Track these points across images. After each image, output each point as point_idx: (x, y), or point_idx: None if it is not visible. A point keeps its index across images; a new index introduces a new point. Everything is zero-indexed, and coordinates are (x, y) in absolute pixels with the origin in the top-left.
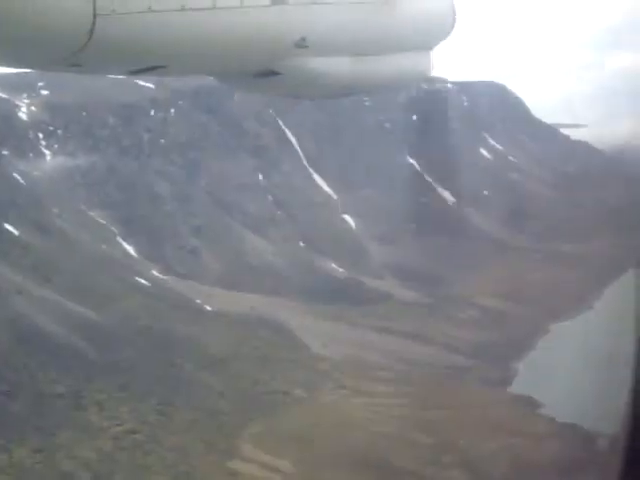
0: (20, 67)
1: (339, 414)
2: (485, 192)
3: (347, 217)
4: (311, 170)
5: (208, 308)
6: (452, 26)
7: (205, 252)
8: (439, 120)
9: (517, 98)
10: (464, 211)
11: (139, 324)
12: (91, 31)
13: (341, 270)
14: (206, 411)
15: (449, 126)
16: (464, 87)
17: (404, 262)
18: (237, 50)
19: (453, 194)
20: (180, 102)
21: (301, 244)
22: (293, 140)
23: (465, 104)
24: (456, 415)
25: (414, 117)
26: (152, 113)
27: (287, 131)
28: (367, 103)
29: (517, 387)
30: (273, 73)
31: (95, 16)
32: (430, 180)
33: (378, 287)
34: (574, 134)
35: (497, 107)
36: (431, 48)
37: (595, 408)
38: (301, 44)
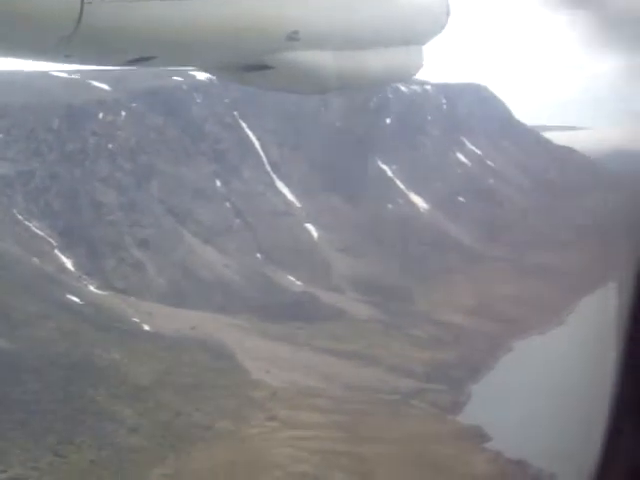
0: (5, 56)
1: (260, 451)
2: (460, 199)
3: (310, 226)
4: (274, 176)
5: (145, 328)
6: (445, 21)
7: (150, 265)
8: (415, 123)
9: (499, 100)
10: (436, 219)
11: (54, 351)
12: (79, 18)
13: (298, 284)
14: (113, 449)
15: (425, 129)
16: (443, 89)
17: (367, 274)
18: (228, 42)
19: (426, 201)
20: (134, 104)
21: (258, 255)
22: (257, 144)
23: (444, 107)
24: (391, 451)
25: (388, 120)
26: (100, 116)
27: (251, 134)
28: (337, 105)
29: (468, 415)
30: (264, 66)
31: (83, 3)
32: (402, 186)
33: (334, 302)
34: (557, 138)
35: (477, 110)
36: (424, 43)
37: (553, 443)
38: (293, 37)
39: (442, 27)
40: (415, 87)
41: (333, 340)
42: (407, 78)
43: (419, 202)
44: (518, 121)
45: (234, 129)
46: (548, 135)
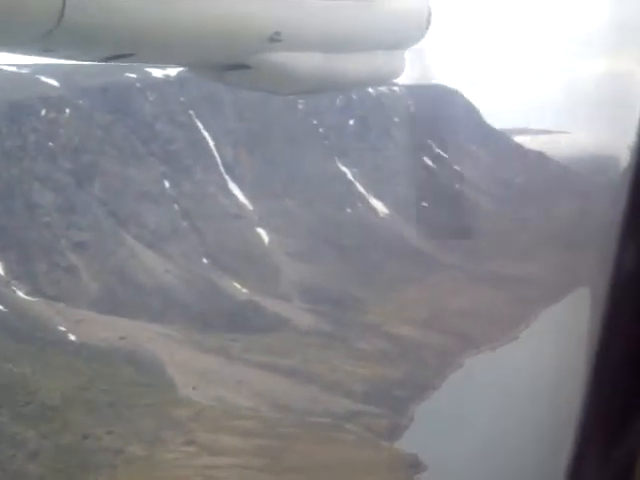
0: None
1: None
2: (423, 204)
3: (261, 230)
4: (227, 178)
5: (71, 338)
6: (428, 26)
7: (84, 270)
8: (380, 125)
9: (469, 104)
10: (396, 224)
11: None
12: (61, 13)
13: (244, 291)
14: (6, 478)
15: (390, 132)
16: (412, 90)
17: (317, 282)
18: (209, 41)
19: (386, 205)
20: (80, 101)
21: (204, 260)
22: (211, 144)
23: (411, 108)
24: None
25: (351, 122)
26: (43, 113)
27: (206, 135)
28: (301, 106)
29: (406, 441)
30: (245, 66)
31: None
32: (362, 190)
33: (278, 311)
34: (531, 142)
35: (446, 113)
36: (406, 48)
37: (501, 474)
38: (275, 38)
39: (424, 32)
40: (382, 88)
41: (270, 353)
42: (388, 82)
43: (379, 207)
44: (489, 125)
45: (188, 129)
46: (522, 139)
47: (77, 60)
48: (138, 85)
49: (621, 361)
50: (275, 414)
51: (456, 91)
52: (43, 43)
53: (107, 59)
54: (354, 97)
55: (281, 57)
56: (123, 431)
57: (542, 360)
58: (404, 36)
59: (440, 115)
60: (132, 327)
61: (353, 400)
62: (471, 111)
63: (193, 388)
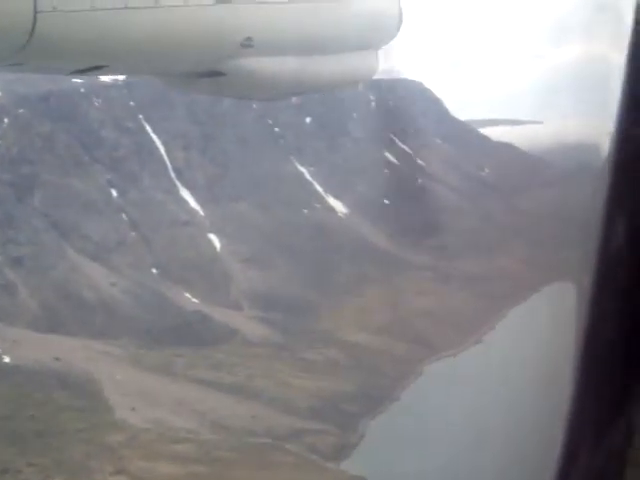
0: None
1: None
2: (385, 201)
3: (213, 237)
4: (178, 183)
5: (5, 360)
6: (399, 27)
7: (22, 287)
8: (339, 122)
9: (434, 96)
10: (356, 224)
11: None
12: (32, 28)
13: (194, 301)
14: None
15: (350, 128)
16: (373, 85)
17: (270, 288)
18: (181, 50)
19: (346, 205)
20: (21, 110)
21: (153, 271)
22: (161, 149)
23: (372, 104)
24: None
25: (307, 120)
26: None
27: (155, 139)
28: (255, 105)
29: (354, 462)
30: (218, 73)
31: (36, 13)
32: (320, 190)
33: (227, 322)
34: (501, 134)
35: (410, 106)
36: (378, 48)
37: None
38: (247, 44)
39: (396, 32)
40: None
41: (214, 369)
42: (362, 82)
43: (338, 206)
44: (454, 117)
45: (136, 134)
46: (491, 130)
47: (48, 73)
48: (82, 90)
49: (609, 353)
50: (214, 436)
51: (420, 84)
52: (15, 58)
53: (80, 72)
54: (311, 94)
55: (254, 62)
56: (47, 462)
57: (505, 364)
58: (376, 37)
59: (403, 109)
60: (70, 346)
61: (297, 417)
62: (436, 104)
63: (131, 410)
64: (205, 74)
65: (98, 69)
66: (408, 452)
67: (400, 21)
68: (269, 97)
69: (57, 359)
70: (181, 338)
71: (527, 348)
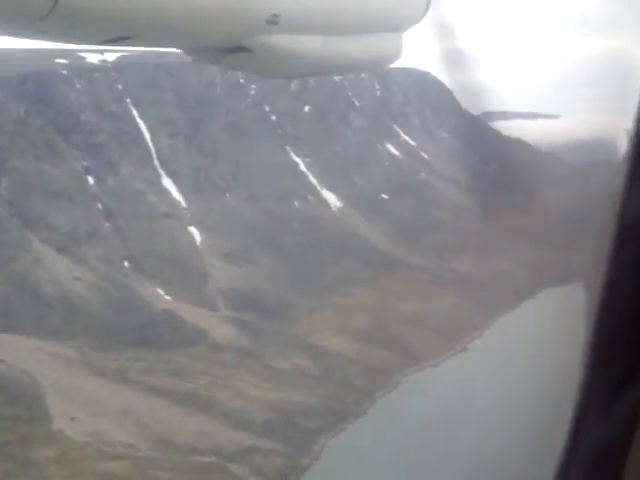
0: None
1: None
2: (383, 195)
3: (194, 230)
4: (162, 172)
5: None
6: (426, 9)
7: None
8: (340, 112)
9: (444, 87)
10: (349, 219)
11: None
12: None
13: (167, 298)
14: None
15: (351, 118)
16: (379, 73)
17: (249, 287)
18: (206, 23)
19: (340, 198)
20: None
21: (125, 264)
22: (147, 135)
23: (377, 93)
24: None
25: (306, 108)
26: None
27: (141, 124)
28: (252, 92)
29: None
30: (242, 49)
31: None
32: (315, 182)
33: (198, 323)
34: (509, 128)
35: (417, 97)
36: (404, 30)
37: None
38: (273, 20)
39: (423, 15)
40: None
41: (172, 376)
42: (386, 65)
43: (332, 199)
44: (464, 110)
45: (120, 119)
46: (502, 124)
47: (73, 43)
48: (64, 72)
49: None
50: (154, 452)
51: (428, 74)
52: (38, 25)
53: (104, 42)
54: (311, 81)
55: (280, 40)
56: None
57: (490, 373)
58: (403, 18)
59: (410, 99)
60: (19, 347)
61: (249, 433)
62: (446, 95)
63: (71, 420)
64: (231, 49)
65: (122, 40)
66: (368, 477)
67: (428, 4)
68: (293, 76)
69: (1, 361)
70: (144, 339)
71: (515, 356)
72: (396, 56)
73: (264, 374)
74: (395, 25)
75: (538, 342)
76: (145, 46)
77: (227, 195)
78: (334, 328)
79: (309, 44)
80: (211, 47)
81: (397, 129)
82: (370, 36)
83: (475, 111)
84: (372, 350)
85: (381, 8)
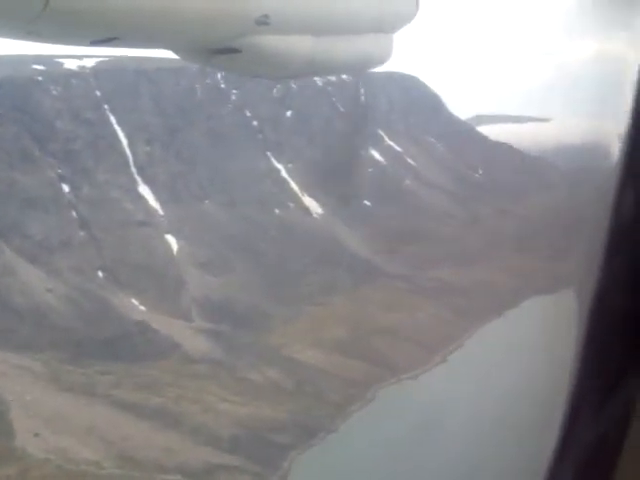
0: None
1: None
2: (366, 202)
3: (170, 238)
4: (139, 179)
5: None
6: (416, 10)
7: None
8: (323, 117)
9: (431, 92)
10: (330, 226)
11: None
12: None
13: (141, 309)
14: None
15: (335, 124)
16: (364, 77)
17: (226, 297)
18: (195, 24)
19: (322, 205)
20: None
21: (99, 274)
22: (124, 142)
23: (362, 98)
24: None
25: (288, 113)
26: None
27: (119, 131)
28: (233, 97)
29: None
30: (232, 50)
31: None
32: (296, 188)
33: (171, 334)
34: (497, 133)
35: (402, 102)
36: (395, 31)
37: None
38: (263, 21)
39: (413, 15)
40: (329, 77)
41: (141, 390)
42: (377, 66)
43: (313, 206)
44: (451, 115)
45: (97, 125)
46: (489, 129)
47: (60, 44)
48: (40, 78)
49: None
50: (117, 470)
51: (416, 78)
52: (29, 27)
53: (93, 43)
54: (294, 86)
55: (269, 40)
56: None
57: (471, 388)
58: (393, 20)
59: (395, 104)
60: None
61: (216, 449)
62: (432, 100)
63: (34, 436)
64: (220, 50)
65: (111, 41)
66: None
67: (418, 5)
68: (284, 77)
69: None
70: (116, 352)
71: (496, 367)
72: (387, 57)
73: (235, 387)
74: (385, 26)
75: (521, 352)
76: (134, 47)
77: (205, 202)
78: (309, 339)
79: (299, 45)
80: (200, 48)
81: (382, 134)
82: (360, 37)
83: (465, 115)
84: (348, 362)
85: (372, 8)
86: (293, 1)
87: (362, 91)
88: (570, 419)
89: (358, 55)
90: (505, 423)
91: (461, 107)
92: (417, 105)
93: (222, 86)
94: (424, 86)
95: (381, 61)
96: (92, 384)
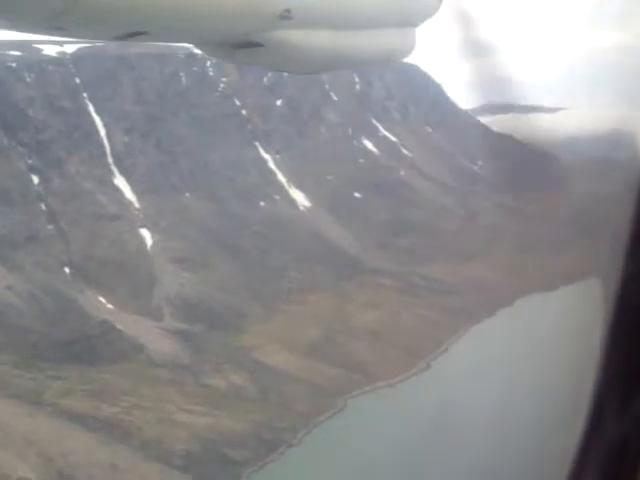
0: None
1: None
2: (356, 194)
3: (145, 232)
4: (115, 170)
5: None
6: (439, 4)
7: None
8: (315, 106)
9: (430, 80)
10: (317, 219)
11: None
12: None
13: (109, 307)
14: None
15: (327, 114)
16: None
17: (200, 295)
18: (219, 19)
19: (309, 197)
20: None
21: (66, 271)
22: (102, 131)
23: (357, 86)
24: None
25: (278, 102)
26: None
27: (97, 120)
28: (223, 85)
29: None
30: (255, 44)
31: None
32: (283, 180)
33: (136, 335)
34: (501, 124)
35: (400, 91)
36: (417, 26)
37: None
38: (285, 16)
39: (436, 10)
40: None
41: (93, 397)
42: (399, 60)
43: (300, 199)
44: (453, 104)
45: (74, 114)
46: (487, 121)
47: (88, 39)
48: (14, 65)
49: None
50: None
51: (415, 66)
52: (56, 21)
53: (119, 38)
54: (285, 74)
55: (292, 35)
56: None
57: (454, 398)
58: (416, 13)
59: (392, 93)
60: None
61: (165, 466)
62: (433, 89)
63: None
64: (243, 45)
65: (137, 35)
66: None
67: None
68: (306, 71)
69: None
70: (74, 355)
71: (485, 373)
72: (409, 50)
73: (197, 395)
74: (408, 20)
75: (512, 356)
76: (159, 41)
77: (186, 195)
78: (283, 341)
79: (321, 39)
80: (224, 42)
81: (376, 124)
82: (383, 30)
83: (474, 104)
84: (320, 367)
85: (394, 3)
86: None
87: (357, 79)
88: (593, 419)
89: (381, 49)
90: (494, 437)
91: (470, 96)
92: (416, 94)
93: (210, 74)
94: (424, 75)
95: (404, 55)
96: (40, 391)
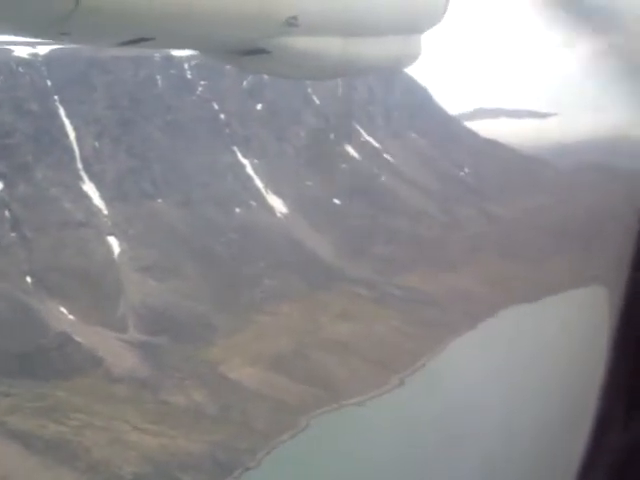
0: (3, 33)
1: None
2: (335, 201)
3: (112, 240)
4: (84, 176)
5: None
6: (444, 11)
7: None
8: (293, 110)
9: (416, 84)
10: (294, 227)
11: None
12: None
13: (70, 318)
14: None
15: (307, 118)
16: None
17: (166, 305)
18: (225, 25)
19: (286, 203)
20: None
21: (28, 280)
22: (72, 135)
23: (339, 90)
24: None
25: (259, 106)
26: None
27: (67, 123)
28: (201, 88)
29: None
30: (261, 51)
31: None
32: (260, 186)
33: (96, 348)
34: (489, 130)
35: (384, 95)
36: (423, 32)
37: None
38: (292, 22)
39: (441, 17)
40: None
41: (42, 415)
42: (405, 67)
43: (277, 205)
44: (440, 109)
45: (43, 117)
46: (475, 127)
47: (93, 45)
48: None
49: None
50: None
51: (400, 71)
52: (60, 27)
53: (124, 44)
54: (265, 77)
55: (298, 41)
56: None
57: (427, 417)
58: (422, 19)
59: (376, 97)
60: None
61: None
62: (419, 93)
63: None
64: (250, 51)
65: (141, 42)
66: None
67: (446, 6)
68: (312, 78)
69: None
70: (26, 369)
71: (460, 391)
72: (415, 57)
73: (154, 413)
74: (414, 26)
75: (495, 372)
76: (164, 47)
77: (159, 201)
78: (250, 355)
79: (328, 46)
80: (230, 49)
81: (359, 129)
82: (389, 38)
83: (463, 109)
84: (285, 383)
85: (399, 10)
86: (322, 3)
87: (340, 83)
88: (599, 426)
89: (388, 56)
90: (473, 460)
91: (460, 101)
92: (401, 99)
93: (189, 77)
94: (410, 79)
95: (410, 61)
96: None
